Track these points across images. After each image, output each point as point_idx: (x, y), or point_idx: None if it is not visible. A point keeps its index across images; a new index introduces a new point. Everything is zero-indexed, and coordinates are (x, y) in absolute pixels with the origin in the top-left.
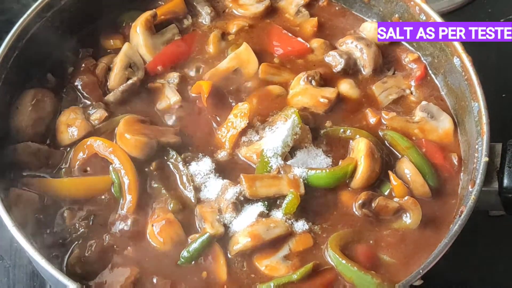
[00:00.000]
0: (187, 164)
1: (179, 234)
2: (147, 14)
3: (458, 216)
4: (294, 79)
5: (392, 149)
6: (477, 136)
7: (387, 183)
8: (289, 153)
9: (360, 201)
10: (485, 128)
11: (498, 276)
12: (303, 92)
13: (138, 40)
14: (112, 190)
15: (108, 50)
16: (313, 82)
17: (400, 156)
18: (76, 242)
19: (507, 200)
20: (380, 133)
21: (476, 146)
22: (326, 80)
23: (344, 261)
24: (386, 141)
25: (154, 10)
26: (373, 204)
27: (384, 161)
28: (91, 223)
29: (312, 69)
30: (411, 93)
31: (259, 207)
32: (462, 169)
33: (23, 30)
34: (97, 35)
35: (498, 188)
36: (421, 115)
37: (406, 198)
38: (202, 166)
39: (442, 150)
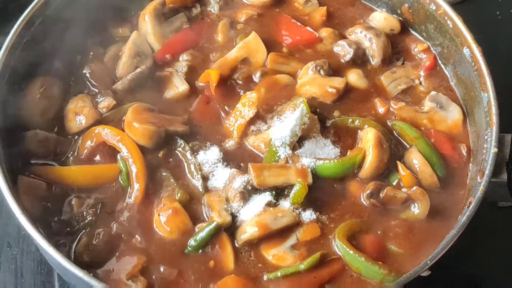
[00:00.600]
0: (195, 153)
1: (185, 223)
2: (155, 2)
3: (466, 207)
4: (302, 68)
5: (401, 139)
6: (487, 126)
7: (395, 173)
8: (297, 143)
9: (368, 191)
10: (494, 118)
11: (506, 267)
12: (312, 81)
13: (147, 28)
14: (120, 179)
15: (117, 38)
16: (322, 72)
17: (408, 146)
18: (84, 230)
19: None
20: (388, 123)
21: (486, 137)
22: (335, 70)
23: (351, 251)
24: (394, 131)
25: None
26: (381, 194)
27: (393, 151)
28: (98, 211)
29: (321, 58)
30: (420, 83)
31: (266, 197)
32: (471, 160)
33: (32, 18)
34: (105, 23)
35: (507, 179)
36: (430, 105)
37: (414, 188)
38: (210, 155)
39: (451, 141)
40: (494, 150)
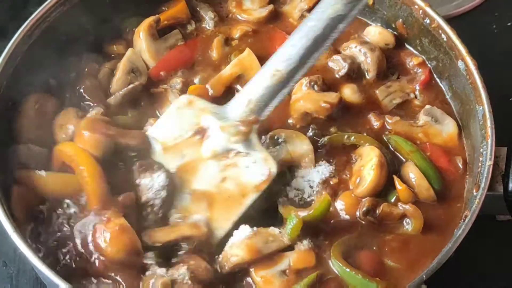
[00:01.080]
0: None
1: (133, 241)
2: (150, 20)
3: (462, 220)
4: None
5: (397, 153)
6: (482, 139)
7: (392, 189)
8: (288, 172)
9: (364, 209)
10: (489, 131)
11: (506, 281)
12: (305, 97)
13: (141, 45)
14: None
15: (112, 55)
16: (315, 87)
17: (404, 160)
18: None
19: None
20: (384, 138)
21: (481, 150)
22: (329, 85)
23: (348, 269)
24: (390, 146)
25: (157, 15)
26: (377, 211)
27: (390, 168)
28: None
29: (315, 74)
30: (416, 97)
31: (246, 229)
32: (467, 172)
33: (25, 36)
34: (100, 41)
35: (503, 192)
36: (425, 119)
37: (407, 206)
38: (156, 180)
39: (446, 154)
40: (489, 163)
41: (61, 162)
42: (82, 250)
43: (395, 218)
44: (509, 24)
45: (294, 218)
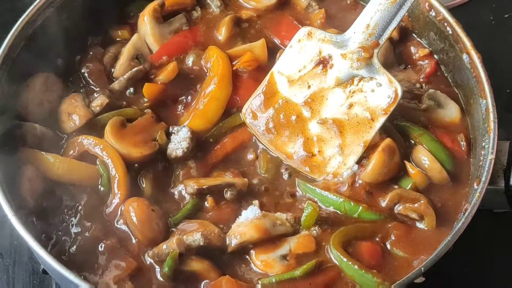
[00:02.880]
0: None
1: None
2: (154, 3)
3: (462, 213)
4: None
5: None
6: (484, 133)
7: (407, 176)
8: None
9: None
10: (492, 125)
11: (503, 273)
12: None
13: (146, 29)
14: (99, 185)
15: (117, 39)
16: None
17: (414, 144)
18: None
19: None
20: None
21: (483, 144)
22: None
23: (345, 259)
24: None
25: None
26: (395, 208)
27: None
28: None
29: None
30: (421, 87)
31: (254, 210)
32: (471, 156)
33: (32, 18)
34: (105, 25)
35: (505, 187)
36: (428, 102)
37: (416, 204)
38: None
39: (449, 134)
40: (491, 157)
41: (78, 152)
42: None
43: (409, 218)
44: (506, 15)
45: (309, 206)
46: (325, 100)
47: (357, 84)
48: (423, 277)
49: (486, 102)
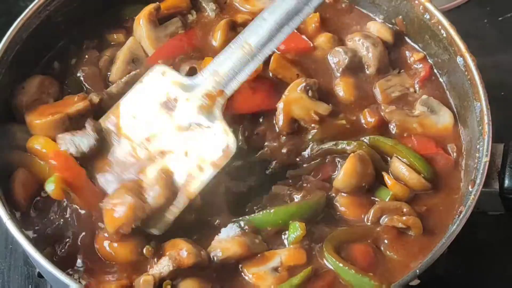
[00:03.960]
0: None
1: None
2: (150, 7)
3: (457, 216)
4: (291, 83)
5: (384, 154)
6: (479, 136)
7: (385, 188)
8: None
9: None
10: (486, 128)
11: (498, 275)
12: (297, 101)
13: (141, 32)
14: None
15: (112, 43)
16: (310, 93)
17: (389, 157)
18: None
19: (508, 201)
20: (364, 140)
21: (478, 146)
22: (325, 90)
23: (341, 265)
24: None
25: (157, 3)
26: (381, 221)
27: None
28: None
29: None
30: (415, 91)
31: (233, 229)
32: (463, 163)
33: (28, 21)
34: (100, 28)
35: (499, 189)
36: (421, 109)
37: (404, 218)
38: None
39: (434, 141)
40: (485, 159)
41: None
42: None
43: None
44: (500, 18)
45: (298, 228)
46: (163, 142)
47: (194, 131)
48: (418, 280)
49: (481, 105)
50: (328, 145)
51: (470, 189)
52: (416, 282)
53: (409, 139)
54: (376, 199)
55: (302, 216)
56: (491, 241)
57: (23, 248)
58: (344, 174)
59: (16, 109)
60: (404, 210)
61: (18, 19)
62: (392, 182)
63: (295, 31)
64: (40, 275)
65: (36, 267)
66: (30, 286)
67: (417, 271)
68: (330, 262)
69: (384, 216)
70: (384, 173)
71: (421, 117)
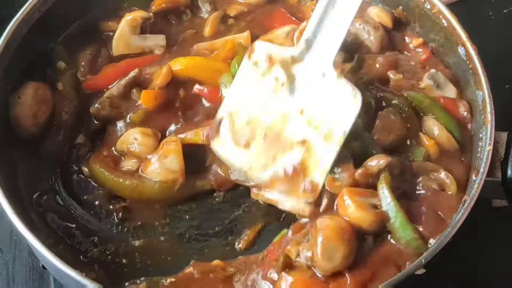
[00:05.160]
0: None
1: None
2: (139, 14)
3: (461, 205)
4: None
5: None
6: (482, 125)
7: (418, 147)
8: None
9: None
10: (489, 117)
11: (500, 267)
12: None
13: (116, 32)
14: None
15: (105, 33)
16: None
17: (423, 115)
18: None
19: (510, 191)
20: (404, 94)
21: (480, 135)
22: None
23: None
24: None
25: (151, 14)
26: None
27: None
28: None
29: None
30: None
31: None
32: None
33: (28, 15)
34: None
35: (502, 178)
36: (427, 82)
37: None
38: None
39: (456, 103)
40: (488, 148)
41: None
42: None
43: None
44: (505, 11)
45: None
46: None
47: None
48: (424, 269)
49: (483, 94)
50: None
51: (474, 178)
52: (421, 271)
53: (437, 99)
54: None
55: None
56: (496, 235)
57: (28, 241)
58: None
59: (16, 119)
60: (439, 171)
61: (18, 13)
62: (431, 142)
63: (294, 19)
64: (44, 267)
65: (40, 260)
66: (34, 277)
67: (423, 260)
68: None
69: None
70: (421, 134)
71: (427, 90)
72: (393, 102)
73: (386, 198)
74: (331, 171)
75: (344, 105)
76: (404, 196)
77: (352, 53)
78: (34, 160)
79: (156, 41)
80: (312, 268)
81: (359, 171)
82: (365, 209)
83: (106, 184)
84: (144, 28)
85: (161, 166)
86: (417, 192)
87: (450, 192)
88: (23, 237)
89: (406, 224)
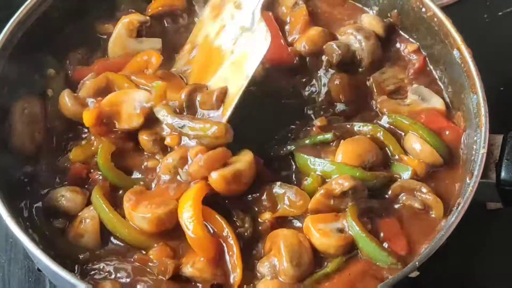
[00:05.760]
0: None
1: None
2: (136, 17)
3: (455, 207)
4: None
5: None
6: (476, 128)
7: (398, 164)
8: None
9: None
10: (483, 120)
11: (495, 269)
12: None
13: (113, 34)
14: None
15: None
16: None
17: (404, 134)
18: None
19: (505, 193)
20: (387, 118)
21: (475, 138)
22: None
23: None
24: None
25: (147, 17)
26: (399, 199)
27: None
28: None
29: None
30: (410, 83)
31: None
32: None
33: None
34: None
35: (496, 181)
36: (412, 97)
37: (425, 196)
38: None
39: (442, 114)
40: (482, 151)
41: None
42: None
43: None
44: (500, 13)
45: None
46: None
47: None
48: (418, 272)
49: (477, 97)
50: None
51: (468, 181)
52: (415, 273)
53: (418, 116)
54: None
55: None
56: (491, 238)
57: (23, 244)
58: None
59: (16, 148)
60: (423, 190)
61: (15, 15)
62: (408, 158)
63: (282, 42)
64: (39, 269)
65: (35, 262)
66: (30, 279)
67: (417, 263)
68: (351, 229)
69: (402, 195)
70: (402, 156)
71: (413, 105)
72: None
73: (354, 228)
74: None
75: (258, 42)
76: (377, 213)
77: (344, 65)
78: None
79: (152, 45)
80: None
81: (321, 191)
82: (330, 236)
83: None
84: (140, 31)
85: None
86: (395, 207)
87: (433, 215)
88: (19, 240)
89: (380, 251)
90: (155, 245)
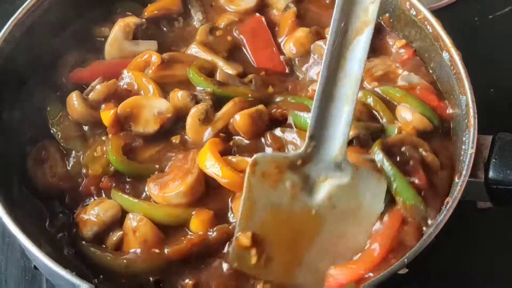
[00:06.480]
0: None
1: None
2: (134, 20)
3: (444, 206)
4: None
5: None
6: (465, 129)
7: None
8: None
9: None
10: (472, 121)
11: (484, 267)
12: None
13: (109, 36)
14: None
15: (97, 38)
16: None
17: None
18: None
19: (493, 191)
20: (376, 89)
21: (464, 139)
22: None
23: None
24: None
25: (143, 20)
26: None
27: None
28: None
29: None
30: (398, 68)
31: None
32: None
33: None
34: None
35: (484, 180)
36: (402, 83)
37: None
38: None
39: (435, 93)
40: (471, 151)
41: None
42: None
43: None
44: (490, 16)
45: None
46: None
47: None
48: (407, 268)
49: (466, 98)
50: None
51: (457, 180)
52: (404, 270)
53: (413, 90)
54: None
55: None
56: (480, 236)
57: (20, 242)
58: None
59: (43, 186)
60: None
61: (12, 17)
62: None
63: (275, 50)
64: (36, 267)
65: (32, 260)
66: (27, 277)
67: (405, 260)
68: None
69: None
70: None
71: None
72: None
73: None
74: None
75: (369, 189)
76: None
77: None
78: None
79: (148, 47)
80: None
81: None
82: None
83: None
84: (136, 34)
85: None
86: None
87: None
88: (16, 239)
89: (407, 186)
90: (193, 212)
